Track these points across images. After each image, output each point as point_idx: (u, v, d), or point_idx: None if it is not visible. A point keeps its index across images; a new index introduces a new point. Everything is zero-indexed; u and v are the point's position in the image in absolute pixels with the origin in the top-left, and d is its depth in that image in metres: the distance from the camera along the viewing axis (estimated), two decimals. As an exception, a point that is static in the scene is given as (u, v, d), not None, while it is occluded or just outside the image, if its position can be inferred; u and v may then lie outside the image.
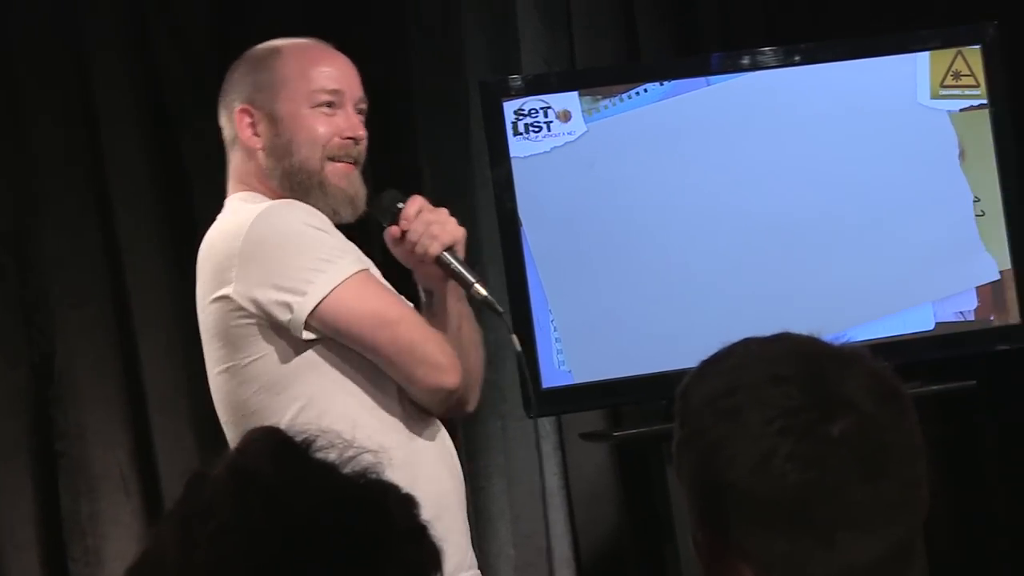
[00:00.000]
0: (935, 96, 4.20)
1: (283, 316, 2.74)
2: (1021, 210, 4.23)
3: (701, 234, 4.06)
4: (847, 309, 4.10)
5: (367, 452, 1.34)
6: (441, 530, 2.82)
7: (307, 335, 2.75)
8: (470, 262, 2.93)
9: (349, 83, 2.95)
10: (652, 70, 4.22)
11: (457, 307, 2.92)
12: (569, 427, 4.49)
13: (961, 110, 4.21)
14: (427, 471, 2.79)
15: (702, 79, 4.12)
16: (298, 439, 1.33)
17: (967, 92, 4.22)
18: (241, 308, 2.76)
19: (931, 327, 4.17)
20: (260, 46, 3.00)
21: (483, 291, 2.86)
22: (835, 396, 1.50)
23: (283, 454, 1.31)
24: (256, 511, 1.25)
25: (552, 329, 3.94)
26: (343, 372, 2.80)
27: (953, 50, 4.22)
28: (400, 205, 2.91)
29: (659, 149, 4.07)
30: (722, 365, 1.56)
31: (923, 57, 4.20)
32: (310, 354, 2.78)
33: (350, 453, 1.34)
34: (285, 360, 2.77)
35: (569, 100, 4.03)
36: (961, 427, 4.78)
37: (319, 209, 2.86)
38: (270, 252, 2.76)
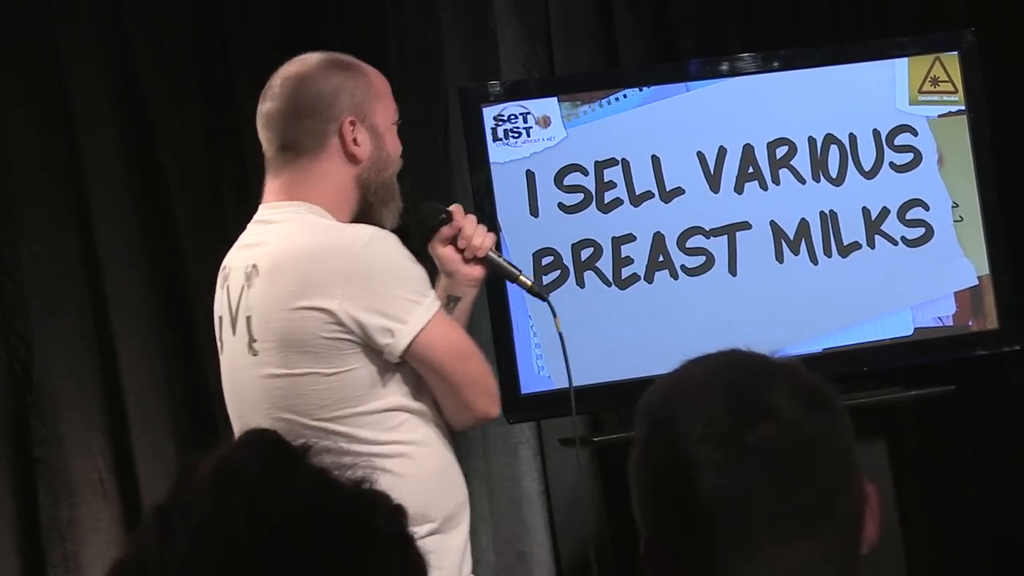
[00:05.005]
0: (914, 102, 4.21)
1: (383, 340, 2.88)
2: (999, 216, 4.25)
3: (682, 239, 4.07)
4: (827, 314, 4.11)
5: (362, 463, 1.34)
6: (464, 534, 2.96)
7: (397, 359, 2.91)
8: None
9: None
10: (632, 76, 4.23)
11: (466, 321, 3.16)
12: (548, 432, 4.49)
13: (939, 116, 4.22)
14: (461, 481, 3.05)
15: (681, 85, 4.12)
16: (294, 444, 1.32)
17: (945, 98, 4.23)
18: (342, 324, 2.87)
19: (910, 332, 4.18)
20: (334, 57, 3.05)
21: (529, 280, 3.20)
22: (757, 404, 1.51)
23: (273, 456, 1.30)
24: (237, 510, 1.24)
25: (532, 335, 3.94)
26: (407, 393, 2.95)
27: (931, 56, 4.23)
28: (447, 209, 3.14)
29: (638, 155, 4.07)
30: (669, 378, 1.59)
31: (901, 63, 4.21)
32: (387, 375, 2.93)
33: (346, 461, 1.33)
34: (368, 377, 2.91)
35: (549, 106, 4.03)
36: (939, 432, 4.79)
37: (385, 221, 3.02)
38: (377, 279, 2.88)
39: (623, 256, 4.04)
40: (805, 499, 1.49)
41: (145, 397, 4.22)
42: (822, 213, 4.14)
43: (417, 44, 4.54)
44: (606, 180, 4.05)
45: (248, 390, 2.99)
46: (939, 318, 4.19)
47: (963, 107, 4.23)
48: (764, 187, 4.12)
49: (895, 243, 4.17)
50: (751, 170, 4.12)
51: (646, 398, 1.59)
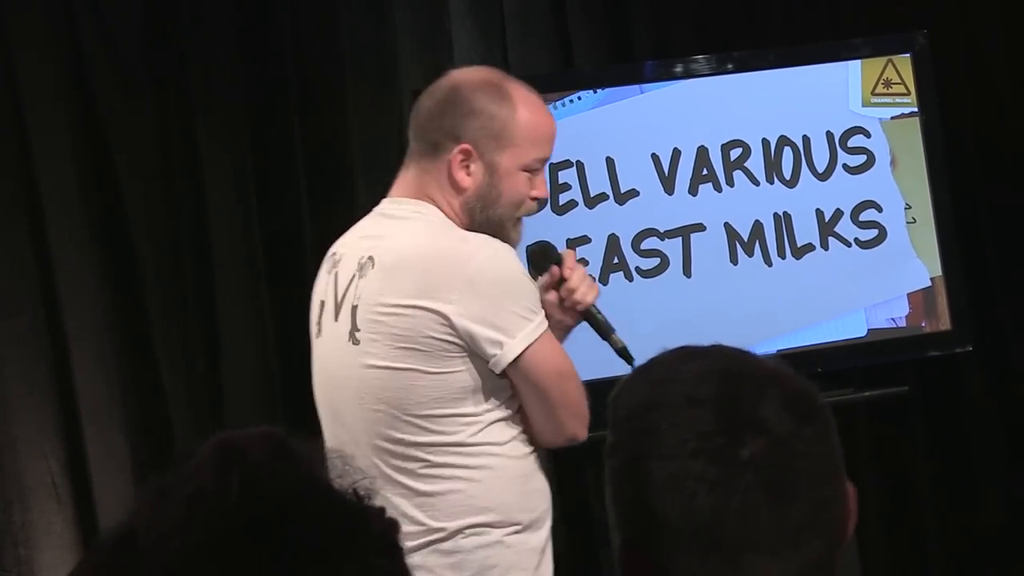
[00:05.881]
0: (867, 104, 4.23)
1: (491, 351, 2.91)
2: (951, 217, 4.27)
3: (636, 241, 4.08)
4: (781, 316, 4.12)
5: (367, 479, 1.35)
6: (544, 537, 2.94)
7: (501, 371, 2.93)
8: None
9: (552, 149, 3.09)
10: (586, 77, 4.24)
11: None
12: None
13: (892, 118, 4.25)
14: (545, 487, 3.07)
15: (635, 87, 4.13)
16: (302, 450, 1.33)
17: (898, 100, 4.26)
18: (454, 329, 2.89)
19: (863, 333, 4.20)
20: (499, 82, 3.03)
21: (622, 341, 3.13)
22: (748, 419, 1.50)
23: (279, 451, 1.32)
24: (233, 484, 1.26)
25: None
26: (503, 399, 2.96)
27: (884, 58, 4.25)
28: (559, 254, 3.15)
29: (593, 156, 4.08)
30: (648, 377, 1.56)
31: (855, 65, 4.23)
32: (487, 381, 2.94)
33: (354, 475, 1.35)
34: (469, 381, 2.93)
35: (503, 107, 4.02)
36: (893, 433, 4.81)
37: None
38: (492, 290, 2.91)
39: (577, 258, 4.04)
40: (798, 513, 1.49)
41: (99, 399, 4.20)
42: (776, 215, 4.16)
43: (371, 45, 4.53)
44: (560, 182, 4.06)
45: (344, 377, 3.00)
46: (892, 319, 4.22)
47: (915, 109, 4.26)
48: (718, 189, 4.13)
49: (848, 244, 4.19)
50: (705, 172, 4.13)
51: (623, 400, 1.56)
